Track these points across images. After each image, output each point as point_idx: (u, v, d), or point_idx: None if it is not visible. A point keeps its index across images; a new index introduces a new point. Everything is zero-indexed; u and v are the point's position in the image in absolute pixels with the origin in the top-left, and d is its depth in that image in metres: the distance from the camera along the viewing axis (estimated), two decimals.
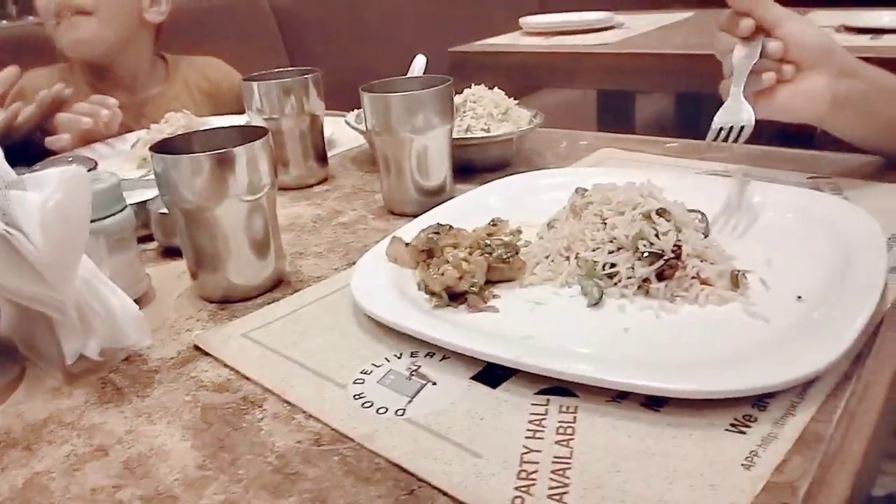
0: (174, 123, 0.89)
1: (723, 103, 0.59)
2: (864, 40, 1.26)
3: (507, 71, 1.53)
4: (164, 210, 0.59)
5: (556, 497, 0.31)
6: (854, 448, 0.33)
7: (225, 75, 1.17)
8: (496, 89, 0.80)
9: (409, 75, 0.92)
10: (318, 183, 0.78)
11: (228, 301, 0.52)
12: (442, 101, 0.64)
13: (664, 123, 1.83)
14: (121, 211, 0.51)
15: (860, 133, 0.63)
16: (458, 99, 0.78)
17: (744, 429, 0.34)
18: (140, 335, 0.43)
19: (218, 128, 0.55)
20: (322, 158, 0.79)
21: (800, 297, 0.43)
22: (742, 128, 0.57)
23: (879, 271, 0.43)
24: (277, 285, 0.54)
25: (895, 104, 0.60)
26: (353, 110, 0.87)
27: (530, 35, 1.62)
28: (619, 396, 0.37)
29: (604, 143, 0.80)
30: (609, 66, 1.37)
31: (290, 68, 0.79)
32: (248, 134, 0.52)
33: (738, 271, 0.46)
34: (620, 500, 0.30)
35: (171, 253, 0.61)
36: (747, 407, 0.35)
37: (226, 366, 0.44)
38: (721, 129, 0.58)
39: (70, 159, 0.64)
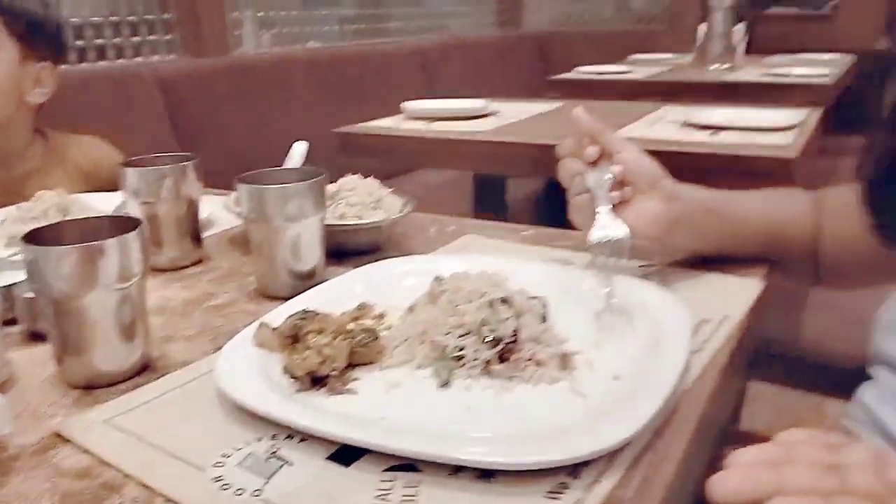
0: (46, 201, 0.88)
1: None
2: (704, 136, 1.43)
3: (390, 152, 1.60)
4: (31, 294, 0.60)
5: None
6: None
7: (106, 155, 1.17)
8: (370, 178, 0.86)
9: (288, 161, 0.97)
10: (193, 264, 0.80)
11: (93, 387, 0.53)
12: (315, 193, 0.69)
13: (535, 204, 1.97)
14: None
15: (691, 247, 0.72)
16: (332, 187, 0.83)
17: (559, 495, 0.39)
18: (1, 423, 0.44)
19: (90, 217, 0.57)
20: (197, 240, 0.81)
21: (617, 377, 0.50)
22: (620, 240, 0.63)
23: (682, 355, 0.50)
24: (143, 371, 0.55)
25: (712, 218, 0.70)
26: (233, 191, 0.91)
27: (412, 119, 1.71)
28: (457, 470, 0.42)
29: (468, 230, 0.87)
30: (483, 152, 1.47)
31: (169, 153, 0.81)
32: (121, 224, 0.54)
33: (567, 353, 0.52)
34: None
35: (36, 337, 0.61)
36: (563, 476, 0.41)
37: (87, 452, 0.45)
38: (599, 243, 0.63)
39: None
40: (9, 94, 1.05)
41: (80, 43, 1.99)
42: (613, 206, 0.65)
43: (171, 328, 0.63)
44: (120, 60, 2.07)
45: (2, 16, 1.04)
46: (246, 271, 0.77)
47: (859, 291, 0.79)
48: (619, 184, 0.66)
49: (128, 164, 0.78)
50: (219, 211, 0.94)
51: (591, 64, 2.62)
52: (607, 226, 0.64)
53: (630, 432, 0.42)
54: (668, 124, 1.55)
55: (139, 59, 2.14)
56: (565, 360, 0.52)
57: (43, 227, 0.54)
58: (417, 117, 1.70)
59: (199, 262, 0.81)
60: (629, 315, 0.58)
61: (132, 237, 0.53)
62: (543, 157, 1.46)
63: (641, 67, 2.66)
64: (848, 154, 0.77)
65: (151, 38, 2.16)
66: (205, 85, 2.11)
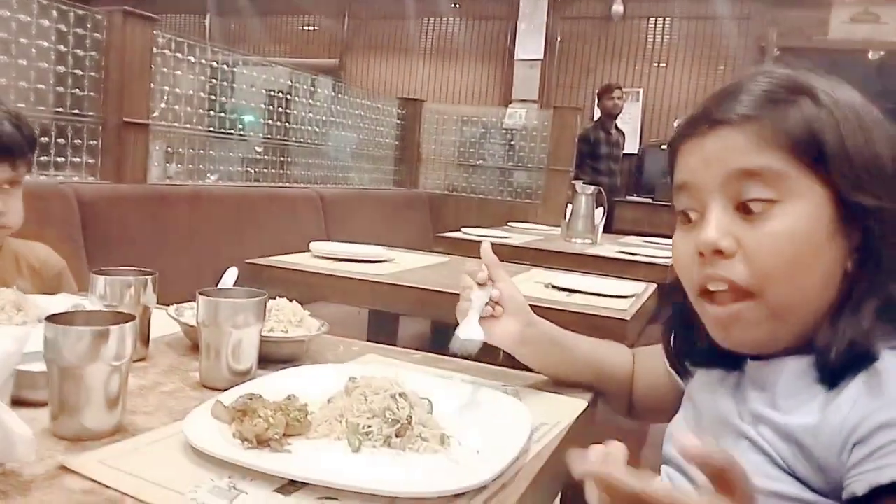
0: (3, 298, 1.02)
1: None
2: (562, 296, 1.73)
3: (296, 285, 1.80)
4: (22, 368, 0.74)
5: None
6: None
7: (55, 261, 1.32)
8: (294, 302, 1.06)
9: (223, 283, 1.15)
10: (140, 360, 0.95)
11: (80, 440, 0.68)
12: (258, 308, 0.89)
13: (421, 339, 2.20)
14: None
15: (536, 364, 0.97)
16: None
17: None
18: (28, 451, 0.59)
19: (96, 311, 0.74)
20: (146, 342, 0.97)
21: (478, 451, 0.72)
22: (474, 341, 0.88)
23: (523, 441, 0.72)
24: (118, 432, 0.71)
25: (555, 347, 0.95)
26: (171, 305, 1.08)
27: (318, 258, 1.93)
28: (369, 501, 0.60)
29: (370, 350, 1.08)
30: (381, 291, 1.70)
31: (130, 267, 0.99)
32: (119, 317, 0.72)
33: (445, 434, 0.73)
34: None
35: (18, 403, 0.74)
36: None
37: (88, 480, 0.60)
38: (461, 339, 0.87)
39: None
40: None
41: None
42: (483, 318, 0.90)
43: (132, 405, 0.79)
44: (42, 177, 2.19)
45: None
46: (185, 368, 0.94)
47: None
48: (496, 304, 0.91)
49: (97, 273, 0.94)
50: (154, 320, 1.10)
51: (474, 226, 2.99)
52: (471, 329, 0.89)
53: (484, 477, 0.63)
54: (535, 284, 1.85)
55: (60, 176, 2.26)
56: (443, 439, 0.73)
57: (60, 314, 0.71)
58: (323, 256, 1.93)
59: (144, 359, 0.96)
60: (494, 414, 0.81)
61: (130, 326, 0.70)
62: (432, 301, 1.72)
63: (517, 234, 3.06)
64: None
65: (75, 160, 2.30)
66: (121, 208, 2.26)
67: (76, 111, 2.30)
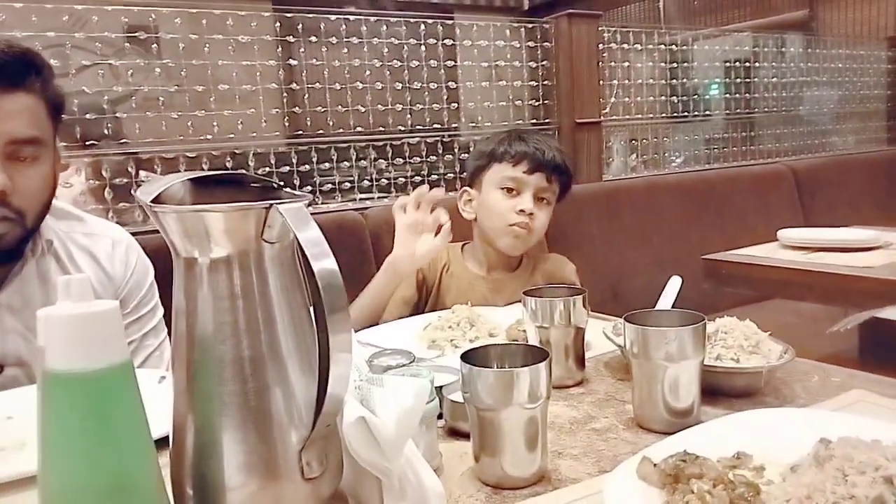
0: (459, 314, 1.08)
1: None
2: None
3: (761, 282, 1.56)
4: (454, 398, 0.75)
5: None
6: None
7: (566, 270, 1.45)
8: (748, 321, 0.87)
9: (664, 296, 1.02)
10: (576, 385, 0.89)
11: (501, 487, 0.63)
12: (695, 337, 0.73)
13: None
14: (431, 401, 0.67)
15: None
16: (710, 327, 0.86)
17: None
18: None
19: (510, 343, 0.70)
20: (581, 363, 0.91)
21: None
22: None
23: None
24: (540, 480, 0.64)
25: None
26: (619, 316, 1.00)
27: (788, 248, 1.64)
28: None
29: (857, 384, 0.82)
30: (873, 290, 1.34)
31: (561, 284, 0.94)
32: (533, 353, 0.66)
33: None
34: None
35: (455, 433, 0.75)
36: None
37: None
38: None
39: (391, 352, 0.83)
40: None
41: None
42: None
43: (560, 445, 0.72)
44: None
45: None
46: (621, 398, 0.84)
47: None
48: None
49: (528, 294, 0.92)
50: (597, 335, 1.03)
51: None
52: None
53: None
54: None
55: None
56: None
57: (476, 349, 0.68)
58: (794, 246, 1.64)
59: (580, 383, 0.90)
60: None
61: (542, 367, 0.63)
62: None
63: None
64: None
65: None
66: (577, 208, 2.31)
67: (534, 120, 2.43)
